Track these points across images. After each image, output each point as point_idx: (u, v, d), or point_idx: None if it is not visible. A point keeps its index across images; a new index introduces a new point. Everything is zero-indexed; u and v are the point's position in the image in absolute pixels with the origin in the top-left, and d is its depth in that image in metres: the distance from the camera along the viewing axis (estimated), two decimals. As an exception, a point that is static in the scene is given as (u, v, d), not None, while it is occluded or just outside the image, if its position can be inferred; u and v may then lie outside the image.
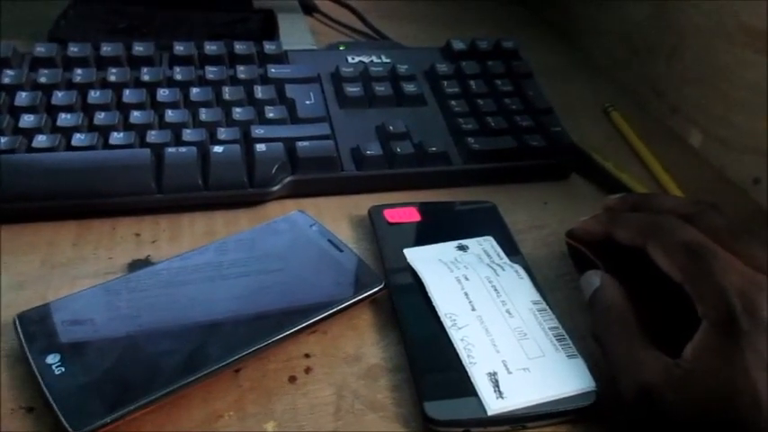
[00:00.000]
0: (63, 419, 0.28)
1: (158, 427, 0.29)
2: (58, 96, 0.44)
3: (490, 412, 0.30)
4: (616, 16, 0.64)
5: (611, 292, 0.33)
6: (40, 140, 0.41)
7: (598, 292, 0.34)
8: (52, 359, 0.30)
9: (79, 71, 0.46)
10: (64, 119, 0.43)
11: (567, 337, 0.34)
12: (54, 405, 0.28)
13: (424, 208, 0.42)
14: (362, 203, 0.43)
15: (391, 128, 0.46)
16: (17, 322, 0.32)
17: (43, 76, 0.45)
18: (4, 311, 0.33)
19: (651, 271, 0.32)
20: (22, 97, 0.44)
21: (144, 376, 0.30)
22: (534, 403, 0.30)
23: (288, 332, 0.33)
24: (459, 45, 0.55)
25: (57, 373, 0.30)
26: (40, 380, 0.29)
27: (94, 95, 0.45)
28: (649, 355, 0.30)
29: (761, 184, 0.48)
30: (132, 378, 0.30)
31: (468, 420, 0.30)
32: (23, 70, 0.46)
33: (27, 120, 0.42)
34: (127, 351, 0.31)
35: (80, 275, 0.37)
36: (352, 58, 0.53)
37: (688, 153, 0.54)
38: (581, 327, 0.35)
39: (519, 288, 0.36)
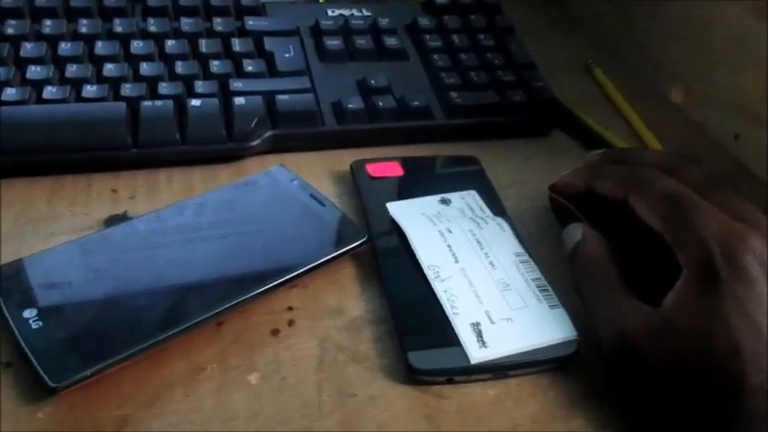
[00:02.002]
0: (42, 373, 0.27)
1: (139, 380, 0.29)
2: (27, 48, 0.43)
3: (473, 361, 0.30)
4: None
5: (593, 245, 0.34)
6: (9, 93, 0.40)
7: (580, 244, 0.34)
8: (29, 314, 0.29)
9: (48, 22, 0.44)
10: (34, 71, 0.41)
11: (549, 288, 0.34)
12: (33, 359, 0.28)
13: (406, 162, 0.42)
14: (344, 158, 0.42)
15: (373, 82, 0.45)
16: (-9, 277, 0.31)
17: (10, 28, 0.44)
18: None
19: (633, 224, 0.32)
20: (-11, 50, 0.42)
21: (124, 330, 0.30)
22: (517, 352, 0.31)
23: (269, 285, 0.32)
24: (441, -1, 0.54)
25: (34, 327, 0.29)
26: (18, 335, 0.29)
27: (65, 47, 0.43)
28: (629, 304, 0.30)
29: (741, 139, 0.48)
30: (112, 332, 0.29)
31: (451, 369, 0.30)
32: (-11, 22, 0.44)
33: (-5, 72, 0.41)
34: (106, 305, 0.31)
35: (56, 232, 0.36)
36: (332, 11, 0.52)
37: (670, 109, 0.54)
38: (563, 279, 0.35)
39: (502, 241, 0.36)
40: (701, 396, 0.27)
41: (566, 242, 0.35)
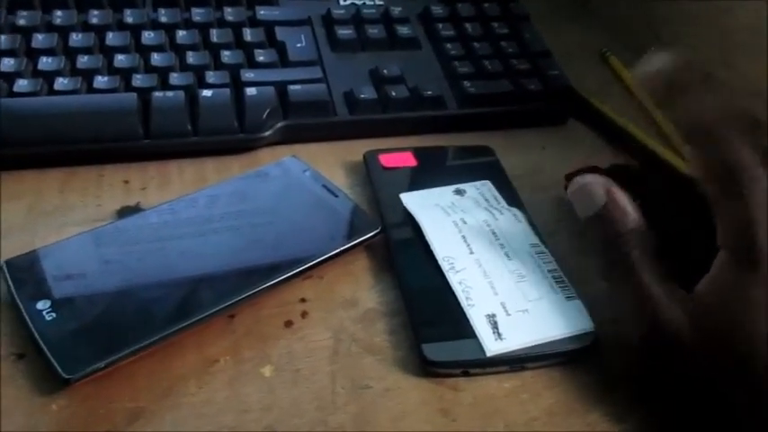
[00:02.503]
0: (56, 365, 0.27)
1: (152, 372, 0.29)
2: (39, 39, 0.42)
3: (489, 353, 0.29)
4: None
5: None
6: (22, 85, 0.40)
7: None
8: (42, 305, 0.29)
9: (59, 13, 0.44)
10: (45, 62, 0.41)
11: (565, 279, 0.33)
12: (46, 351, 0.28)
13: (420, 153, 0.41)
14: (356, 149, 0.42)
15: (385, 71, 0.45)
16: (5, 268, 0.31)
17: (22, 19, 0.44)
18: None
19: (665, 204, 0.31)
20: (1, 41, 0.42)
21: (137, 321, 0.29)
22: (533, 344, 0.30)
23: (282, 277, 0.32)
24: (453, -13, 0.53)
25: (47, 318, 0.29)
26: (31, 326, 0.29)
27: (76, 38, 0.43)
28: (664, 289, 0.28)
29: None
30: (125, 323, 0.29)
31: (466, 361, 0.30)
32: (0, 13, 0.44)
33: (6, 63, 0.40)
34: (119, 297, 0.30)
35: (68, 223, 0.36)
36: (344, 1, 0.51)
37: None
38: (580, 269, 0.34)
39: (517, 231, 0.35)
40: (731, 384, 0.26)
41: (579, 200, 0.33)
